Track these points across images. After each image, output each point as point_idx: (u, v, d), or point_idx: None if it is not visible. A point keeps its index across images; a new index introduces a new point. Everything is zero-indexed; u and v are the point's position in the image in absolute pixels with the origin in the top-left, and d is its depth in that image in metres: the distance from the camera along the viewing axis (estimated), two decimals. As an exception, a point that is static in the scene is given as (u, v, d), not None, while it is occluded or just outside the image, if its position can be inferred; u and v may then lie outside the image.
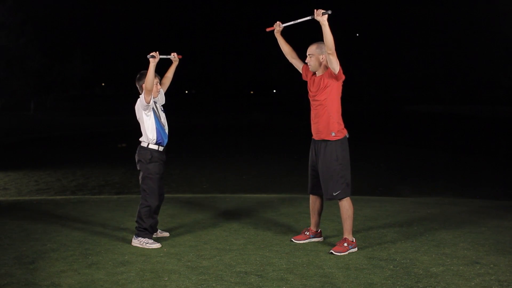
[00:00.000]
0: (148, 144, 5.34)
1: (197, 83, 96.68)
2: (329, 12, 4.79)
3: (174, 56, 5.67)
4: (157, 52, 5.31)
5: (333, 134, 5.09)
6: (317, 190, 5.32)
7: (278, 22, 5.37)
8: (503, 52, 52.52)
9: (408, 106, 61.84)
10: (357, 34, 78.46)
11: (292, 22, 5.23)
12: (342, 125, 5.17)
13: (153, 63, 5.22)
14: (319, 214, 5.42)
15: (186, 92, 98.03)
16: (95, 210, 6.99)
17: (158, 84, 5.44)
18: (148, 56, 5.25)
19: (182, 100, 70.38)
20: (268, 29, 5.41)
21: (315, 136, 5.23)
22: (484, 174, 14.67)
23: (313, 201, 5.43)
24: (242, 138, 26.31)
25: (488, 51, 56.56)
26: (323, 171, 5.12)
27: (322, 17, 4.81)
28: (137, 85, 5.43)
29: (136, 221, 5.28)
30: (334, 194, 5.06)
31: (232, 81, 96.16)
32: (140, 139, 5.42)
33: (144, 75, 5.34)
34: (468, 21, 59.19)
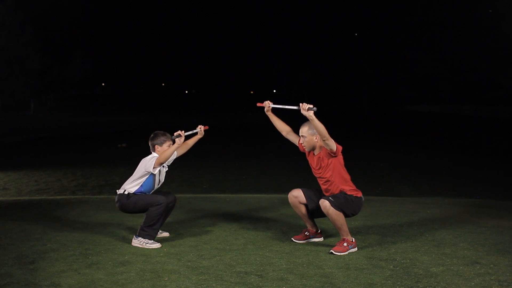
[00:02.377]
0: (125, 191, 5.32)
1: (197, 83, 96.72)
2: (314, 109, 4.84)
3: (200, 129, 5.63)
4: (183, 131, 5.29)
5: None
6: (307, 196, 5.24)
7: (267, 102, 5.40)
8: (503, 52, 52.53)
9: (408, 106, 61.86)
10: (356, 34, 78.44)
11: (280, 106, 5.30)
12: (355, 189, 5.15)
13: (177, 144, 5.21)
14: (310, 217, 5.38)
15: (186, 92, 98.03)
16: (95, 210, 6.99)
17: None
18: (173, 137, 5.24)
19: (182, 100, 70.42)
20: (258, 104, 5.47)
21: None
22: (485, 174, 14.67)
23: (296, 206, 5.30)
24: (242, 138, 26.31)
25: (488, 51, 56.56)
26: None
27: (307, 112, 4.84)
28: (149, 144, 5.39)
29: (144, 221, 5.23)
30: (331, 198, 5.02)
31: (232, 81, 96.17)
32: (122, 187, 5.35)
33: (157, 136, 5.33)
34: (468, 21, 59.17)
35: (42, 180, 12.88)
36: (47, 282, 4.13)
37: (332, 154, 5.03)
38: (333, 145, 4.95)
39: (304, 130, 5.14)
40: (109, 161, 16.42)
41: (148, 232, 5.19)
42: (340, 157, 5.13)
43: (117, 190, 5.42)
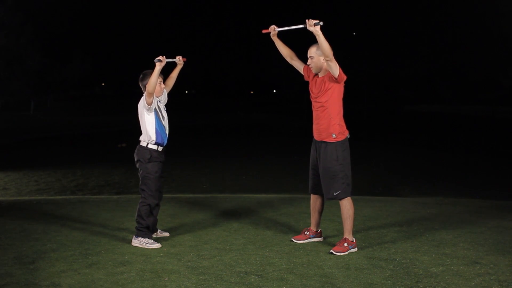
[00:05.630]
0: (148, 143, 5.35)
1: (198, 83, 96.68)
2: (321, 23, 4.81)
3: (179, 59, 5.68)
4: (164, 57, 5.32)
5: (334, 136, 5.09)
6: (318, 189, 5.32)
7: (273, 26, 5.37)
8: (503, 52, 52.53)
9: (408, 106, 61.90)
10: (354, 33, 78.44)
11: (286, 28, 5.25)
12: (344, 127, 5.16)
13: (158, 67, 5.23)
14: (320, 213, 5.42)
15: (186, 92, 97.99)
16: (95, 210, 6.99)
17: (162, 83, 5.44)
18: (155, 60, 5.26)
19: (182, 100, 70.43)
20: (263, 31, 5.44)
21: (316, 137, 5.23)
22: (484, 174, 14.67)
23: (314, 200, 5.43)
24: (242, 138, 26.32)
25: (488, 51, 56.57)
26: (323, 171, 5.12)
27: (314, 27, 4.82)
28: (140, 85, 5.43)
29: (136, 221, 5.28)
30: (334, 194, 5.06)
31: (232, 81, 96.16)
32: (140, 138, 5.42)
33: (147, 75, 5.35)
34: (468, 21, 59.18)
35: (42, 180, 12.89)
36: (47, 282, 4.13)
37: (334, 79, 5.02)
38: (336, 68, 4.94)
39: (312, 50, 5.12)
40: (109, 161, 16.42)
41: (146, 232, 5.22)
42: (342, 88, 5.13)
43: (140, 138, 5.40)
